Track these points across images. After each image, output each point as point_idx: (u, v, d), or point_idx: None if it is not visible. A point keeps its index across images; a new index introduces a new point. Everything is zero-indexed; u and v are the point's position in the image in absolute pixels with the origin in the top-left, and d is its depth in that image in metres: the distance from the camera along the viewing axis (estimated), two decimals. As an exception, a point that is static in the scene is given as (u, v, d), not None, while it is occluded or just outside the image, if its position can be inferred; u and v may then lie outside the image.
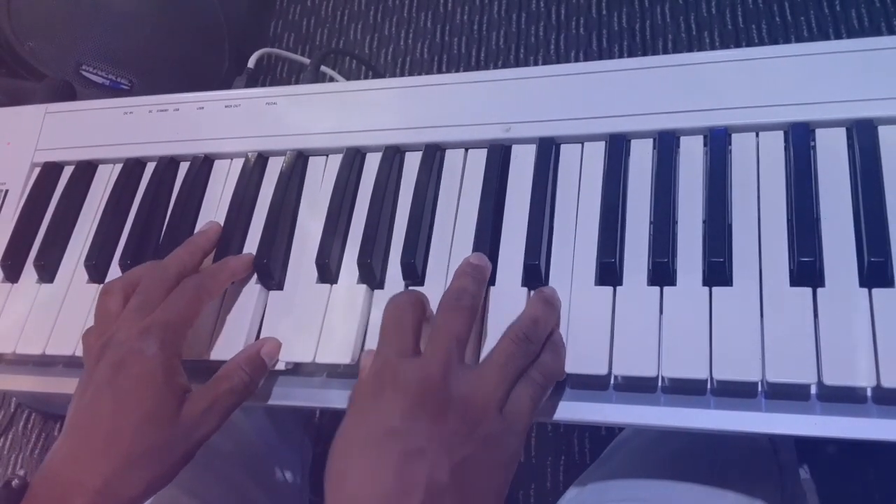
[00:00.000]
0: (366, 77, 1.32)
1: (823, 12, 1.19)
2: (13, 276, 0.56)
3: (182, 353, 0.44)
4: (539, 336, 0.41)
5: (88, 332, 0.47)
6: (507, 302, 0.44)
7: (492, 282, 0.45)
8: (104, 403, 0.42)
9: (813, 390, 0.38)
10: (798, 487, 0.60)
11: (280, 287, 0.50)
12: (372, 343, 0.45)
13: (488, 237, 0.46)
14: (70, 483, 0.40)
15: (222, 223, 0.53)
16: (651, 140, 0.47)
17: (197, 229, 0.52)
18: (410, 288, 0.45)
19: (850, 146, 0.43)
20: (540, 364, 0.40)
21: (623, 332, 0.41)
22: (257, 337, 0.48)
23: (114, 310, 0.45)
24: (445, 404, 0.37)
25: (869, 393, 0.37)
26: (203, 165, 0.56)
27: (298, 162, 0.54)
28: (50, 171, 0.60)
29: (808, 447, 0.89)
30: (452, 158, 0.51)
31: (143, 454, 0.41)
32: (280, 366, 0.47)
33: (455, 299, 0.41)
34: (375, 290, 0.47)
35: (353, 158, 0.52)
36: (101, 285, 0.49)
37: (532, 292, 0.44)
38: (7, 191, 0.60)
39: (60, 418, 1.21)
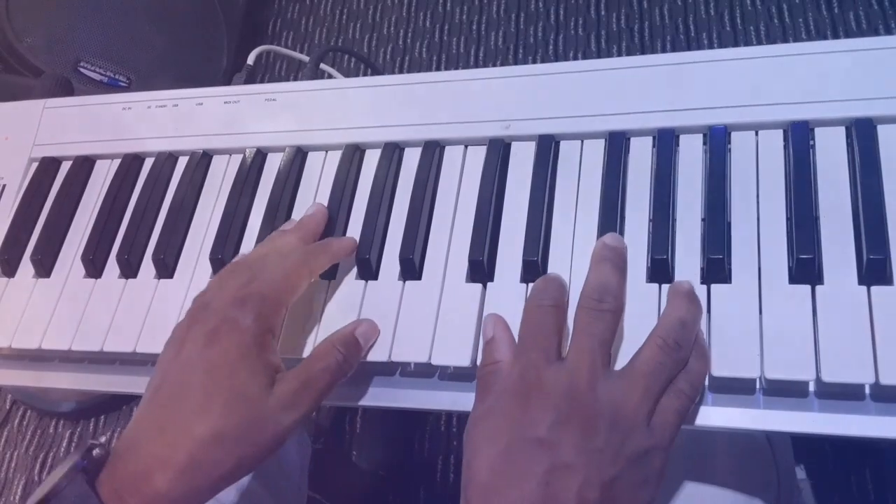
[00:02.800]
0: (365, 75, 1.32)
1: (822, 14, 1.19)
2: (10, 270, 0.56)
3: (277, 331, 0.43)
4: (689, 340, 0.38)
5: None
6: (506, 299, 0.44)
7: (490, 278, 0.45)
8: (194, 374, 0.40)
9: (811, 387, 0.38)
10: (794, 486, 0.60)
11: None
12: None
13: (487, 233, 0.46)
14: (154, 457, 0.38)
15: (219, 219, 0.52)
16: (650, 138, 0.47)
17: (305, 212, 0.50)
18: (551, 277, 0.42)
19: (850, 145, 0.43)
20: (688, 373, 0.37)
21: (623, 332, 0.41)
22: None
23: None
24: (594, 417, 0.35)
25: (867, 390, 0.37)
26: (201, 161, 0.56)
27: (297, 158, 0.54)
28: (48, 166, 0.59)
29: (804, 447, 0.89)
30: (452, 155, 0.51)
31: (230, 431, 0.39)
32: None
33: (597, 301, 0.38)
34: (372, 286, 0.47)
35: (353, 155, 0.52)
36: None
37: (668, 288, 0.41)
38: (5, 185, 0.60)
39: (56, 415, 1.21)
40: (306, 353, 0.46)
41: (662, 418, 0.36)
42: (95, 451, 0.39)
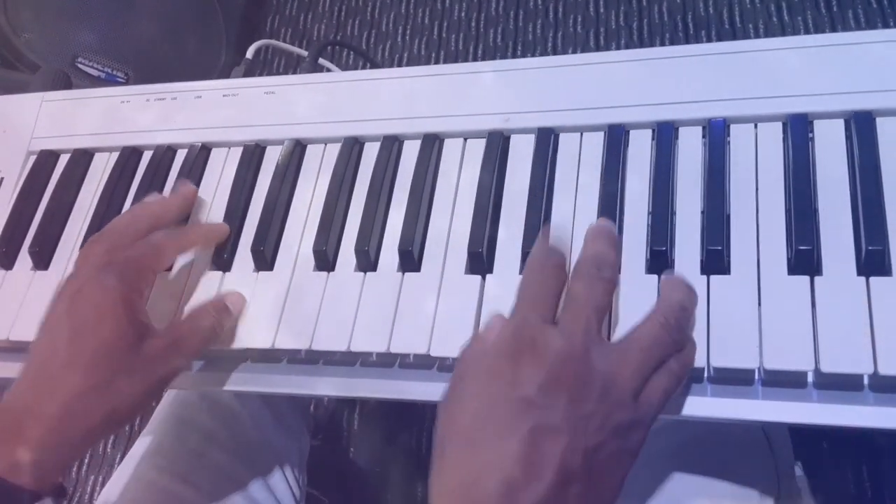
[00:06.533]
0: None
1: (820, 12, 1.20)
2: (8, 262, 0.56)
3: (145, 293, 0.45)
4: (687, 325, 0.38)
5: None
6: (505, 290, 0.44)
7: (489, 269, 0.45)
8: (61, 332, 0.42)
9: (810, 378, 0.38)
10: (793, 482, 0.60)
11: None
12: (366, 332, 0.45)
13: (486, 225, 0.46)
14: (26, 411, 0.40)
15: (222, 212, 0.52)
16: (650, 131, 0.47)
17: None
18: (555, 235, 0.41)
19: (849, 137, 0.43)
20: (682, 355, 0.37)
21: (620, 320, 0.41)
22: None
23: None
24: (585, 384, 0.34)
25: (866, 380, 0.38)
26: (200, 154, 0.56)
27: (296, 151, 0.54)
28: (46, 159, 0.59)
29: (801, 443, 0.89)
30: (451, 148, 0.51)
31: (100, 383, 0.41)
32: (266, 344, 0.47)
33: (596, 268, 0.38)
34: (371, 277, 0.47)
35: (352, 147, 0.52)
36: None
37: (664, 276, 0.41)
38: (3, 178, 0.59)
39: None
40: (314, 346, 0.46)
41: (649, 395, 0.36)
42: None
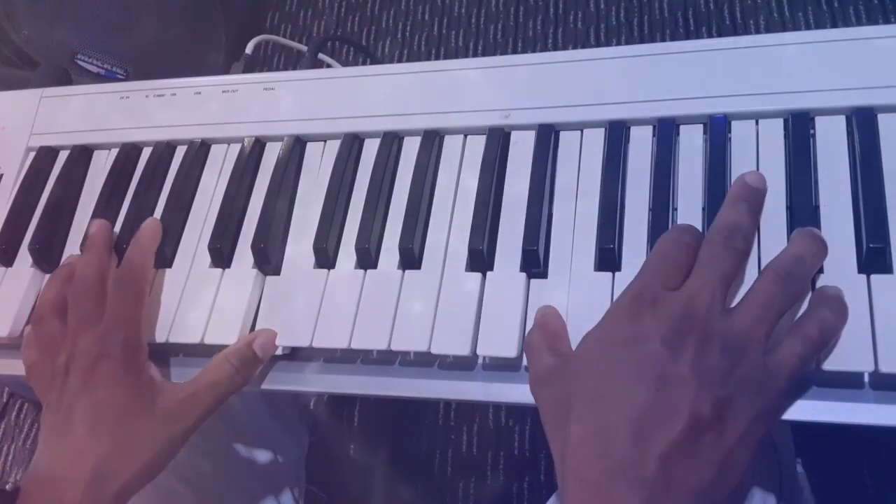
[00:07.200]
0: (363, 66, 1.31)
1: (821, 8, 1.19)
2: (7, 260, 0.55)
3: (145, 345, 0.47)
4: (804, 274, 0.37)
5: (33, 361, 0.48)
6: (506, 287, 0.44)
7: (489, 267, 0.45)
8: (81, 406, 0.44)
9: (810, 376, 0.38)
10: (794, 479, 0.60)
11: (277, 272, 0.50)
12: (366, 330, 0.45)
13: (487, 222, 0.46)
14: (59, 479, 0.43)
15: (218, 208, 0.52)
16: (650, 127, 0.47)
17: (90, 230, 0.52)
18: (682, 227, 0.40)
19: (850, 134, 0.43)
20: (818, 319, 0.36)
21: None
22: (254, 321, 0.48)
23: (59, 330, 0.47)
24: (706, 338, 0.34)
25: (866, 378, 0.37)
26: (199, 151, 0.56)
27: (296, 147, 0.53)
28: (45, 156, 0.59)
29: (802, 441, 0.89)
30: (451, 145, 0.51)
31: (123, 445, 0.43)
32: (277, 351, 0.47)
33: (727, 237, 0.38)
34: (371, 275, 0.47)
35: (352, 144, 0.52)
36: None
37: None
38: (2, 175, 0.59)
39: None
40: (315, 343, 0.46)
41: (779, 357, 0.35)
42: (8, 486, 0.43)
